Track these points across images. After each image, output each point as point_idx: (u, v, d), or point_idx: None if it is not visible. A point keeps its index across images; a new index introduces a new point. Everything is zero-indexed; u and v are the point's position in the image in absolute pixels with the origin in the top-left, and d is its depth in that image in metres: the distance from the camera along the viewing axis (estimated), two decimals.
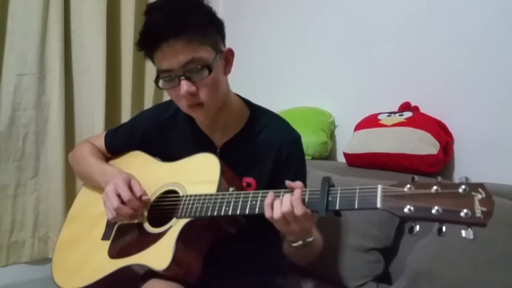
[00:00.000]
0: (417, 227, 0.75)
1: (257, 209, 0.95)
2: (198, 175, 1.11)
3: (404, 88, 1.82)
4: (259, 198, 0.96)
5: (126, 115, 2.36)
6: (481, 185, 0.71)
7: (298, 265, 1.16)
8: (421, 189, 0.75)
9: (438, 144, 1.55)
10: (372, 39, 1.96)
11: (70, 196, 2.12)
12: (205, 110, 1.08)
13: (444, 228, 0.73)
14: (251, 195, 0.97)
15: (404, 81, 1.83)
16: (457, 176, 1.64)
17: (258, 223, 1.17)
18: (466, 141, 1.61)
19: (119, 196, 1.11)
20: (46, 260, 2.12)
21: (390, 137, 1.64)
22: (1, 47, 2.02)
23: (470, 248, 1.18)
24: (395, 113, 1.74)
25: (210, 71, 1.03)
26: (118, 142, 1.34)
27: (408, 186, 0.77)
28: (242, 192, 1.00)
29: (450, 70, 1.66)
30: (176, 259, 0.99)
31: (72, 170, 1.47)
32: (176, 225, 1.04)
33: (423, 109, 1.72)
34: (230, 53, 1.12)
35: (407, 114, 1.68)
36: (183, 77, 1.02)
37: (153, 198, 1.16)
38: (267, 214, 0.92)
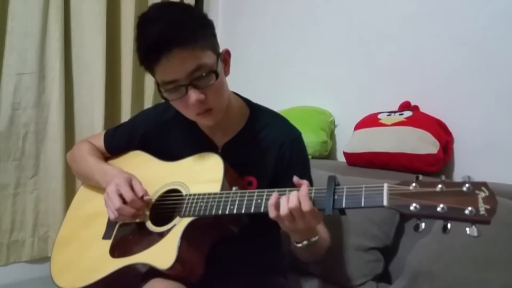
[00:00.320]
0: (423, 225, 0.76)
1: (262, 208, 0.95)
2: (201, 174, 1.12)
3: (404, 87, 1.82)
4: (264, 196, 0.96)
5: (126, 115, 2.36)
6: (484, 184, 0.73)
7: (304, 261, 1.16)
8: (426, 187, 0.76)
9: (438, 144, 1.56)
10: (372, 39, 1.96)
11: (70, 196, 2.12)
12: (214, 115, 1.07)
13: (449, 226, 0.74)
14: (256, 193, 0.98)
15: (404, 81, 1.83)
16: (457, 176, 1.65)
17: (259, 222, 1.17)
18: (466, 141, 1.62)
19: (121, 196, 1.11)
20: (46, 259, 2.12)
21: (390, 136, 1.64)
22: (1, 46, 2.02)
23: (470, 247, 1.19)
24: (395, 112, 1.74)
25: (217, 76, 1.02)
26: (118, 141, 1.34)
27: (414, 184, 0.78)
28: (247, 191, 1.00)
29: (450, 69, 1.67)
30: (180, 258, 0.99)
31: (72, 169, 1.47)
32: (180, 224, 1.04)
33: (423, 109, 1.72)
34: (227, 53, 1.12)
35: (407, 113, 1.69)
36: (190, 86, 1.00)
37: (155, 197, 1.16)
38: (272, 214, 0.92)
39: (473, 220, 0.71)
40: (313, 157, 2.00)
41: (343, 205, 0.85)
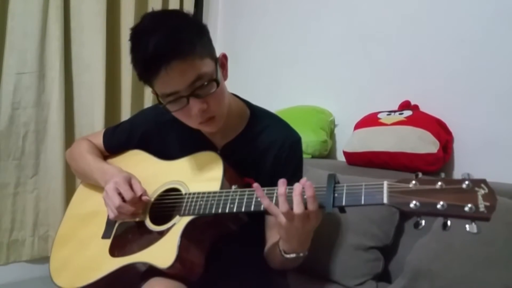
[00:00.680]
0: (423, 222, 0.76)
1: (262, 206, 0.94)
2: (200, 173, 1.12)
3: (404, 87, 1.82)
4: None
5: (125, 114, 2.36)
6: (484, 181, 0.73)
7: (273, 267, 1.14)
8: (426, 185, 0.77)
9: (438, 143, 1.56)
10: (372, 38, 1.96)
11: (70, 195, 2.08)
12: (216, 122, 1.07)
13: (449, 223, 0.74)
14: (255, 192, 0.97)
15: (404, 80, 1.83)
16: (456, 175, 1.65)
17: (259, 221, 1.17)
18: (466, 140, 1.62)
19: (120, 194, 1.10)
20: (46, 259, 2.10)
21: (390, 135, 1.64)
22: (1, 46, 2.02)
23: (470, 246, 1.19)
24: (395, 111, 1.74)
25: (218, 84, 1.01)
26: (117, 140, 1.34)
27: (413, 182, 0.78)
28: (246, 189, 1.00)
29: (450, 69, 1.67)
30: (180, 257, 0.99)
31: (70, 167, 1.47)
32: (180, 223, 1.04)
33: (423, 108, 1.72)
34: (225, 58, 1.10)
35: (407, 112, 1.69)
36: (191, 97, 0.98)
37: (154, 196, 1.16)
38: (281, 207, 0.90)
39: (473, 217, 0.71)
40: (313, 157, 2.00)
41: (343, 203, 0.85)
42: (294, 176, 1.11)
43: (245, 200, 0.98)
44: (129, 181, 1.13)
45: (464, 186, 0.73)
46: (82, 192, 1.38)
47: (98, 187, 1.24)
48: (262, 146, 1.16)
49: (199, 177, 1.11)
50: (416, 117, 1.65)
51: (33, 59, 2.07)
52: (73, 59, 2.22)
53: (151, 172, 1.21)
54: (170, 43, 0.93)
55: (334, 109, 2.10)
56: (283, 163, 1.15)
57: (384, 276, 1.48)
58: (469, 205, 0.71)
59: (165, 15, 1.03)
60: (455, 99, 1.65)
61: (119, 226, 1.19)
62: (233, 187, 1.02)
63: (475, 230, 0.71)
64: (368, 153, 1.70)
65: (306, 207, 0.88)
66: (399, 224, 1.48)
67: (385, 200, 0.79)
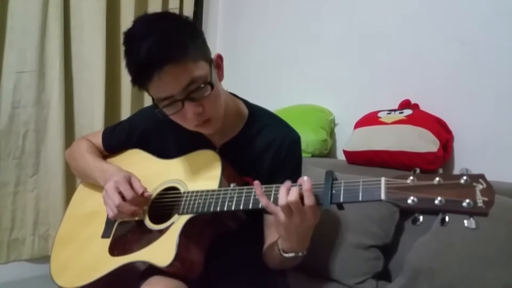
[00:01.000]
0: (421, 218, 0.76)
1: (260, 204, 0.94)
2: (199, 171, 1.12)
3: (404, 86, 1.82)
4: None
5: (125, 113, 2.36)
6: (482, 176, 0.73)
7: (271, 267, 1.14)
8: (424, 180, 0.76)
9: (438, 142, 1.56)
10: (372, 37, 1.96)
11: (70, 194, 2.09)
12: (213, 124, 1.06)
13: (447, 218, 0.73)
14: (253, 190, 0.97)
15: (404, 79, 1.83)
16: None
17: (258, 220, 1.17)
18: (466, 139, 1.62)
19: (120, 193, 1.10)
20: (46, 258, 2.11)
21: (390, 134, 1.64)
22: (1, 44, 2.02)
23: (470, 245, 1.19)
24: (395, 110, 1.74)
25: (212, 86, 1.00)
26: (116, 140, 1.34)
27: (411, 178, 0.77)
28: (245, 187, 1.00)
29: (450, 68, 1.67)
30: (179, 255, 0.99)
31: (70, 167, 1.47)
32: (178, 221, 1.04)
33: (423, 107, 1.72)
34: (220, 58, 1.09)
35: (407, 111, 1.69)
36: (186, 100, 0.98)
37: (153, 195, 1.16)
38: (281, 199, 0.90)
39: (471, 212, 0.71)
40: (313, 156, 2.00)
41: (341, 200, 0.85)
42: (292, 176, 1.10)
43: (243, 198, 0.98)
44: (129, 180, 1.13)
45: (462, 181, 0.73)
46: (82, 191, 1.38)
47: (98, 187, 1.24)
48: (260, 145, 1.16)
49: (197, 175, 1.11)
50: (416, 116, 1.65)
51: (33, 57, 2.07)
52: (73, 58, 2.22)
53: (150, 171, 1.21)
54: (162, 48, 0.92)
55: (334, 108, 2.10)
56: (282, 162, 1.15)
57: (384, 274, 1.48)
58: (467, 200, 0.71)
59: (158, 18, 1.01)
60: (456, 98, 1.65)
61: (118, 225, 1.19)
62: (232, 185, 1.02)
63: (473, 226, 0.71)
64: (368, 152, 1.70)
65: (303, 203, 0.88)
66: (399, 223, 1.48)
67: (382, 197, 0.79)
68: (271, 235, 1.12)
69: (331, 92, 2.15)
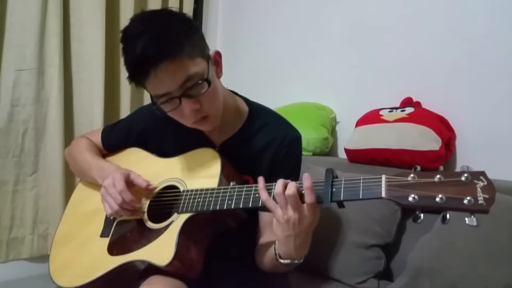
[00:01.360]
0: (422, 216, 0.75)
1: (260, 202, 0.93)
2: (198, 170, 1.11)
3: (406, 83, 1.81)
4: None
5: (125, 111, 2.35)
6: (483, 173, 0.72)
7: (265, 269, 1.12)
8: (425, 178, 0.76)
9: (440, 140, 1.55)
10: (373, 35, 1.95)
11: (69, 193, 2.08)
12: (211, 121, 1.06)
13: (448, 216, 0.73)
14: (253, 188, 0.96)
15: (406, 77, 1.82)
16: None
17: (258, 219, 1.16)
18: (468, 137, 1.61)
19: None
20: (45, 257, 2.10)
21: (392, 132, 1.63)
22: (0, 42, 2.01)
23: (472, 244, 1.18)
24: (397, 108, 1.73)
25: (209, 83, 0.99)
26: (115, 138, 1.33)
27: (412, 175, 0.77)
28: (244, 186, 0.99)
29: (452, 65, 1.66)
30: (178, 254, 0.98)
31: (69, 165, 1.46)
32: (178, 220, 1.04)
33: (425, 105, 1.71)
34: (218, 55, 1.08)
35: (409, 109, 1.68)
36: (183, 97, 0.98)
37: (152, 194, 1.15)
38: (277, 189, 0.89)
39: (472, 209, 0.71)
40: (314, 154, 1.99)
41: (341, 198, 0.84)
42: (292, 174, 1.10)
43: (243, 196, 0.97)
44: (127, 177, 1.13)
45: (463, 178, 0.72)
46: (81, 190, 1.38)
47: (97, 186, 1.24)
48: (260, 144, 1.15)
49: (197, 174, 1.11)
50: (418, 114, 1.64)
51: (32, 55, 2.05)
52: (73, 55, 2.21)
53: (149, 170, 1.20)
54: (158, 45, 0.92)
55: (336, 106, 2.09)
56: (282, 160, 1.14)
57: (386, 274, 1.48)
58: (468, 198, 0.70)
59: (154, 16, 1.01)
60: (458, 96, 1.64)
61: (117, 224, 1.19)
62: (231, 184, 1.02)
63: (474, 223, 0.71)
64: (370, 150, 1.69)
65: (303, 201, 0.87)
66: (401, 222, 1.47)
67: (383, 194, 0.78)
68: (265, 235, 1.11)
69: (333, 90, 2.14)
